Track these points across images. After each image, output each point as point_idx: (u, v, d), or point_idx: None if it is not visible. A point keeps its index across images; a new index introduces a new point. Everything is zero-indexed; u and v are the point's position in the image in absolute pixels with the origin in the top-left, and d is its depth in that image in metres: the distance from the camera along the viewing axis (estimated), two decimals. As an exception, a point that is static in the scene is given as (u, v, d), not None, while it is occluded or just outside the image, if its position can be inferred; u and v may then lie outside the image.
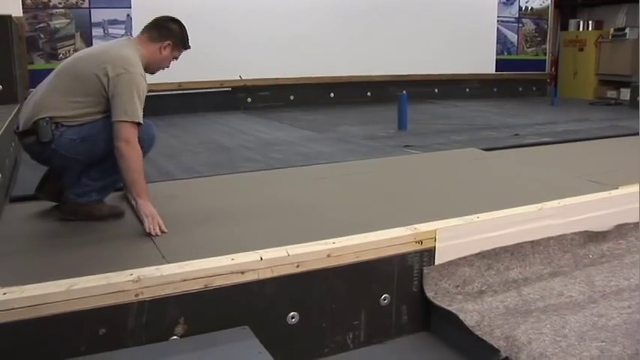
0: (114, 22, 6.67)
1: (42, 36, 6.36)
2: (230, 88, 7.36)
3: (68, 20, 6.46)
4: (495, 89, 9.20)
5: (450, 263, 2.38)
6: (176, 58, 2.94)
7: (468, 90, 8.95)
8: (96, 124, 2.69)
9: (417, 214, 2.66)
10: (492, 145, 4.71)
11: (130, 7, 6.68)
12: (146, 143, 2.77)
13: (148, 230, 2.54)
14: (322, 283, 2.14)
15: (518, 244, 2.55)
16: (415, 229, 2.36)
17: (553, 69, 9.63)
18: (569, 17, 9.71)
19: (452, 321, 2.16)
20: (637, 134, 5.06)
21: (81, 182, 2.79)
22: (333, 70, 7.77)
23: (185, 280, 1.91)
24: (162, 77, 7.49)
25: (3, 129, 3.49)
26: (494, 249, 2.49)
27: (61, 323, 1.76)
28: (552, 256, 2.60)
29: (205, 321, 1.94)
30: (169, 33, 2.86)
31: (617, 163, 3.99)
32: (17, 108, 4.65)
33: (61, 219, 2.79)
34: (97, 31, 6.59)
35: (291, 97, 7.73)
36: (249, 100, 7.49)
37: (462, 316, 2.14)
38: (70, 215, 2.77)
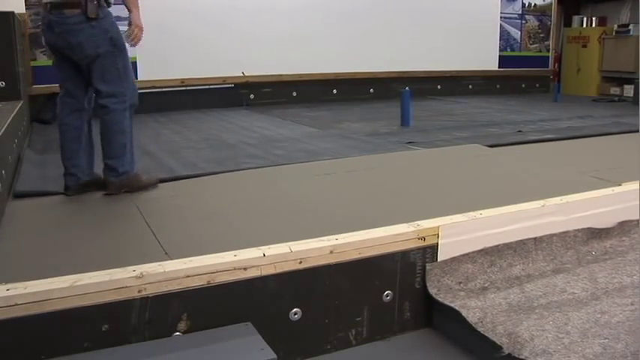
0: (116, 19, 6.65)
1: (45, 32, 6.36)
2: (233, 85, 7.36)
3: (71, 17, 6.45)
4: (498, 86, 9.19)
5: (452, 260, 2.38)
6: None
7: (470, 86, 8.94)
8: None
9: (419, 210, 2.66)
10: (495, 142, 4.71)
11: (133, 4, 6.66)
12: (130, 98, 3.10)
13: (127, 34, 3.01)
14: (325, 279, 2.14)
15: (521, 240, 2.55)
16: (418, 225, 2.37)
17: (556, 65, 9.61)
18: (573, 13, 9.68)
19: (454, 317, 2.16)
20: (638, 131, 5.06)
21: (107, 165, 3.10)
22: (336, 67, 7.77)
23: (188, 277, 1.92)
24: (164, 74, 7.52)
25: (6, 125, 3.50)
26: (496, 246, 2.49)
27: (64, 319, 1.77)
28: (555, 252, 2.60)
29: (208, 317, 1.95)
30: None
31: (620, 160, 3.98)
32: (20, 105, 4.66)
33: (105, 195, 3.12)
34: (99, 28, 6.58)
35: (294, 94, 7.73)
36: (251, 96, 7.50)
37: (464, 313, 2.14)
38: (116, 191, 3.11)
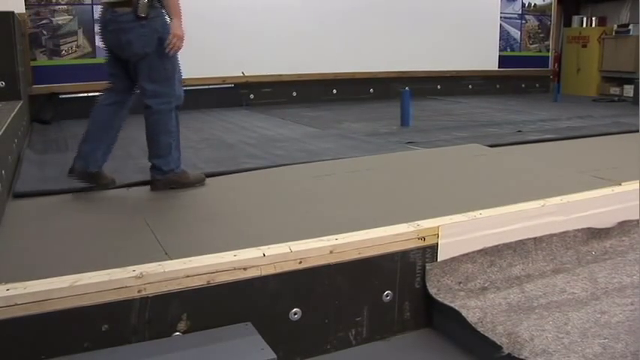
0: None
1: (45, 32, 6.36)
2: (232, 85, 7.36)
3: (71, 17, 6.45)
4: (498, 86, 9.19)
5: (452, 260, 2.38)
6: None
7: (470, 86, 8.93)
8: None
9: (419, 210, 2.66)
10: (495, 142, 4.71)
11: (133, 4, 6.66)
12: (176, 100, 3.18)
13: (167, 43, 3.00)
14: (325, 279, 2.14)
15: (520, 240, 2.55)
16: (418, 225, 2.37)
17: (556, 65, 9.61)
18: (573, 13, 9.68)
19: (454, 317, 2.16)
20: (638, 131, 5.06)
21: (153, 164, 3.22)
22: (336, 67, 7.76)
23: (188, 277, 1.92)
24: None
25: (6, 125, 3.50)
26: (496, 246, 2.49)
27: (63, 319, 1.77)
28: (555, 252, 2.60)
29: (208, 317, 1.95)
30: None
31: (620, 160, 3.98)
32: (20, 105, 4.66)
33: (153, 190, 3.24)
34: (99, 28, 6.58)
35: (294, 94, 7.73)
36: (251, 96, 7.49)
37: (464, 313, 2.14)
38: (164, 188, 3.20)
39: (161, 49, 3.04)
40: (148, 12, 2.98)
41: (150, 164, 3.24)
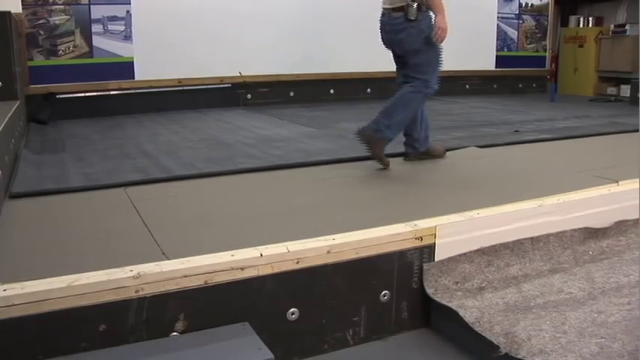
0: (113, 19, 6.66)
1: (41, 32, 6.34)
2: (230, 85, 7.35)
3: (68, 17, 6.44)
4: (495, 85, 9.19)
5: (449, 260, 2.39)
6: None
7: (467, 86, 8.93)
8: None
9: (416, 210, 2.66)
10: (492, 142, 4.71)
11: (130, 4, 6.65)
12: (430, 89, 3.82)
13: (433, 36, 3.58)
14: (322, 279, 2.14)
15: (518, 240, 2.56)
16: (415, 225, 2.37)
17: (553, 65, 9.61)
18: (570, 14, 9.69)
19: (452, 317, 2.17)
20: (637, 130, 5.06)
21: (409, 138, 4.04)
22: (333, 67, 7.76)
23: (185, 277, 1.92)
24: (162, 74, 7.49)
25: (3, 125, 3.49)
26: (494, 245, 2.50)
27: (61, 319, 1.77)
28: (552, 252, 2.60)
29: (205, 317, 1.95)
30: None
31: (617, 160, 3.99)
32: (17, 105, 4.65)
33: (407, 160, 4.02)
34: (96, 28, 6.57)
35: (291, 94, 7.72)
36: (248, 96, 7.48)
37: (461, 313, 2.14)
38: (414, 159, 4.01)
39: (426, 46, 3.67)
40: (417, 15, 3.59)
41: (404, 139, 4.03)
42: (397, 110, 3.73)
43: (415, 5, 3.57)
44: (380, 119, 3.71)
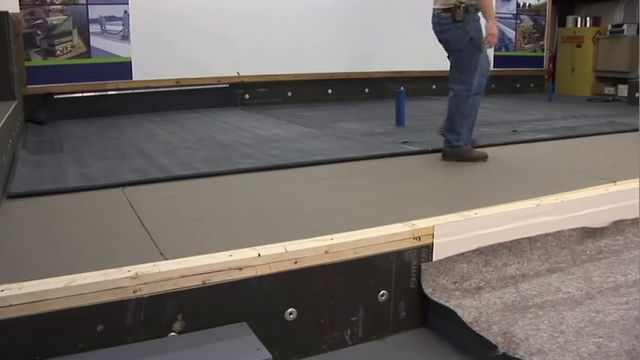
0: (111, 19, 6.65)
1: (39, 32, 6.34)
2: (228, 85, 7.35)
3: (65, 17, 6.43)
4: (493, 85, 9.13)
5: (447, 259, 2.39)
6: None
7: (465, 86, 8.93)
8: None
9: (414, 210, 2.66)
10: (490, 142, 4.71)
11: (127, 4, 6.65)
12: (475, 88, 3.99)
13: (482, 40, 3.81)
14: (320, 279, 2.14)
15: (515, 240, 2.56)
16: (413, 225, 2.37)
17: (551, 65, 9.63)
18: (567, 13, 9.70)
19: (450, 317, 2.17)
20: (636, 130, 5.08)
21: (446, 137, 4.01)
22: (331, 67, 7.76)
23: (183, 277, 1.91)
24: (160, 74, 7.49)
25: (0, 125, 3.49)
26: (491, 245, 2.50)
27: (59, 320, 1.76)
28: (550, 252, 2.60)
29: (203, 317, 1.95)
30: None
31: (614, 160, 4.00)
32: (14, 105, 4.65)
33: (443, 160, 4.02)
34: (94, 28, 6.57)
35: (289, 94, 7.72)
36: (246, 96, 7.49)
37: (459, 313, 2.14)
38: (450, 159, 4.00)
39: (470, 47, 3.84)
40: (463, 17, 3.78)
41: (444, 137, 4.05)
42: (454, 120, 3.94)
43: (463, 7, 3.76)
44: (448, 137, 3.98)
